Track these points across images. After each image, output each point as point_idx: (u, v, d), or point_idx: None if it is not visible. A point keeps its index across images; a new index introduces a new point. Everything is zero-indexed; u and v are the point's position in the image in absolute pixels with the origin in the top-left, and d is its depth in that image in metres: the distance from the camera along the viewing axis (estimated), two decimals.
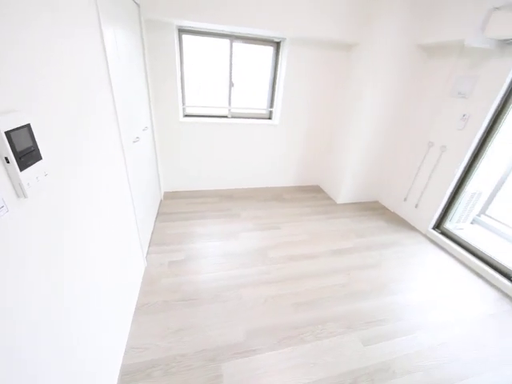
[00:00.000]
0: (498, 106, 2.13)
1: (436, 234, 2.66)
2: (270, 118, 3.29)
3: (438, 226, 2.72)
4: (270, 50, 2.95)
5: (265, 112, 3.29)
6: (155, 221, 2.63)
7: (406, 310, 1.86)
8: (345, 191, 3.22)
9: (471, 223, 3.14)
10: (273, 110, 3.22)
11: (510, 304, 1.99)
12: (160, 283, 1.91)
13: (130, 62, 1.82)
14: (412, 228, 2.89)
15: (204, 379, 1.36)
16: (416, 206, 2.87)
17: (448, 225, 2.73)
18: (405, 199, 3.01)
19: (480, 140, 2.27)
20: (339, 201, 3.28)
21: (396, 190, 3.14)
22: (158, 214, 2.76)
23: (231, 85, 2.99)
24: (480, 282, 2.20)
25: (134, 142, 1.83)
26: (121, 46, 1.60)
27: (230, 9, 2.31)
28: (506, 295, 2.06)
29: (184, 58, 2.72)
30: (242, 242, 2.44)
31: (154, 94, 2.59)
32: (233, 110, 3.15)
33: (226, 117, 3.15)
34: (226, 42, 2.75)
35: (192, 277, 1.99)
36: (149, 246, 2.27)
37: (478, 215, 3.23)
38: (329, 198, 3.40)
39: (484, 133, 2.24)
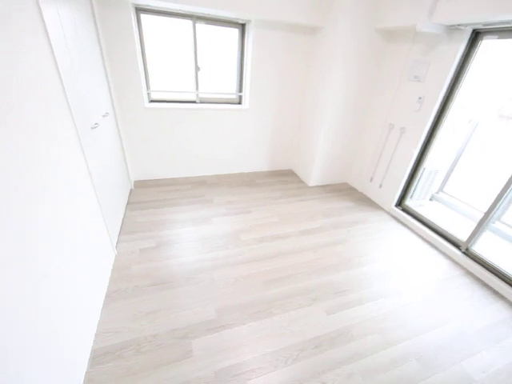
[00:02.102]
0: (448, 89, 2.28)
1: (398, 211, 2.85)
2: (239, 103, 3.28)
3: (400, 203, 2.91)
4: (236, 32, 2.91)
5: (235, 97, 3.27)
6: (126, 210, 2.58)
7: (369, 281, 2.01)
8: (315, 174, 3.33)
9: (430, 200, 3.39)
10: (242, 94, 3.21)
11: (459, 270, 2.21)
12: (131, 270, 1.92)
13: (81, 43, 1.72)
14: (378, 207, 3.07)
15: (175, 355, 1.42)
16: (380, 186, 3.04)
17: (409, 202, 2.93)
18: (371, 179, 3.17)
19: (434, 120, 2.43)
20: (310, 183, 3.39)
21: (362, 171, 3.29)
22: (128, 202, 2.71)
23: (197, 69, 2.93)
24: (434, 252, 2.41)
25: (93, 128, 1.77)
26: (67, 26, 1.52)
27: None
28: (456, 262, 2.29)
29: (145, 40, 2.61)
30: (215, 226, 2.48)
31: (114, 78, 2.48)
32: (201, 95, 3.11)
33: (194, 102, 3.10)
34: (189, 23, 2.67)
35: (164, 262, 2.01)
36: (119, 235, 2.24)
37: (437, 192, 3.49)
38: (300, 181, 3.50)
39: (437, 113, 2.39)
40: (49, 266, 1.07)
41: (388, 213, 2.96)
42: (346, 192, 3.34)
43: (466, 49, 2.12)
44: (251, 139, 3.42)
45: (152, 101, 2.95)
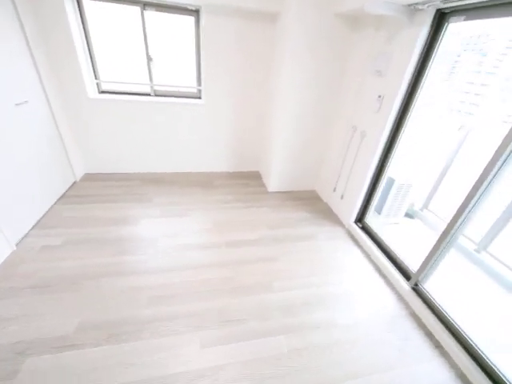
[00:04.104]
0: (409, 85, 1.84)
1: (356, 229, 2.44)
2: (200, 98, 3.06)
3: (360, 219, 2.49)
4: (191, 20, 2.68)
5: (195, 91, 3.05)
6: (55, 203, 2.49)
7: (275, 310, 1.68)
8: (275, 179, 3.00)
9: (410, 218, 2.90)
10: (201, 88, 2.98)
11: (404, 309, 1.79)
12: (17, 269, 1.79)
13: None
14: (337, 221, 2.67)
15: None
16: (342, 197, 2.63)
17: (375, 219, 2.50)
18: (334, 189, 2.77)
19: (394, 124, 2.00)
20: (270, 189, 3.06)
21: (327, 178, 2.90)
22: (64, 196, 2.62)
23: (149, 59, 2.75)
24: (382, 282, 1.99)
25: None
26: None
27: None
28: (403, 299, 1.86)
29: (89, 27, 2.49)
30: (138, 228, 2.29)
31: (49, 67, 2.38)
32: (157, 88, 2.93)
33: (148, 95, 2.93)
34: (137, 9, 2.50)
35: (58, 263, 1.86)
36: (32, 229, 2.15)
37: (421, 209, 2.99)
38: (262, 186, 3.19)
39: (397, 114, 1.96)
40: None
41: (346, 229, 2.55)
42: (309, 201, 2.97)
43: (429, 34, 1.69)
44: (212, 137, 3.18)
45: (103, 92, 2.84)
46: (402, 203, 2.57)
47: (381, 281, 2.00)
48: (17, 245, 1.96)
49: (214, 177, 3.29)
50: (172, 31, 2.73)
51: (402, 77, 1.82)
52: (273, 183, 3.01)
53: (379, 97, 2.03)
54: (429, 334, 1.63)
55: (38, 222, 2.23)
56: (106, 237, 2.15)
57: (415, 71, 1.79)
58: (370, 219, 2.52)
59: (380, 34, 2.01)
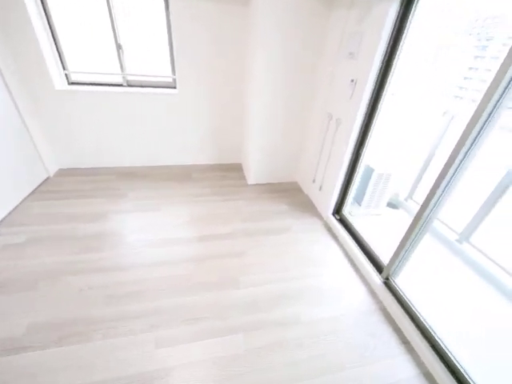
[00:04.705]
0: (381, 68, 1.72)
1: (333, 221, 2.36)
2: (175, 87, 2.94)
3: (338, 211, 2.41)
4: (161, 4, 2.54)
5: (170, 80, 2.93)
6: (25, 200, 2.42)
7: (238, 307, 1.63)
8: (257, 170, 2.91)
9: (394, 208, 2.82)
10: (176, 77, 2.86)
11: (375, 303, 1.72)
12: None
13: None
14: (316, 213, 2.58)
15: None
16: (320, 189, 2.54)
17: (355, 210, 2.42)
18: (313, 180, 2.68)
19: (367, 110, 1.89)
20: (250, 181, 2.98)
21: (307, 169, 2.80)
22: (35, 191, 2.55)
23: (119, 47, 2.63)
24: (356, 277, 1.92)
25: None
26: None
27: None
28: (375, 293, 1.79)
29: (51, 13, 2.37)
30: (107, 224, 2.22)
31: (11, 58, 2.27)
32: (131, 78, 2.82)
33: (120, 85, 2.82)
34: None
35: (16, 262, 1.81)
36: None
37: (406, 199, 2.90)
38: (242, 178, 3.10)
39: (370, 101, 1.85)
40: None
41: (324, 221, 2.47)
42: (289, 193, 2.88)
43: (399, 11, 1.56)
44: (190, 128, 3.08)
45: (73, 83, 2.73)
46: (383, 193, 2.48)
47: (354, 275, 1.94)
48: None
49: (193, 169, 3.20)
50: (143, 18, 2.60)
51: (373, 59, 1.70)
52: (253, 175, 2.92)
53: (352, 81, 1.92)
54: (397, 330, 1.57)
55: (4, 219, 2.17)
56: (74, 234, 2.09)
57: (386, 52, 1.67)
58: (351, 211, 2.44)
59: (353, 13, 1.87)
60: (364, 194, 2.44)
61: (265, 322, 1.55)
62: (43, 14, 2.32)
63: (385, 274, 1.75)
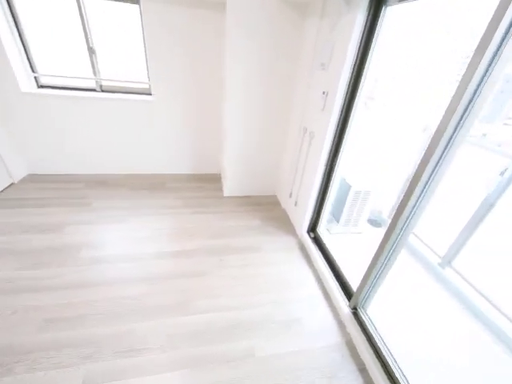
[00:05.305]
0: (351, 78, 1.61)
1: (307, 239, 2.21)
2: (151, 94, 2.84)
3: (313, 228, 2.26)
4: (136, 9, 2.46)
5: (147, 86, 2.83)
6: None
7: (186, 337, 1.46)
8: (233, 182, 2.77)
9: (378, 226, 2.67)
10: (151, 83, 2.76)
11: (341, 336, 1.55)
12: None
13: None
14: (291, 230, 2.43)
15: None
16: (295, 204, 2.40)
17: (333, 228, 2.27)
18: (290, 195, 2.54)
19: (338, 123, 1.77)
20: (226, 193, 2.84)
21: (284, 183, 2.66)
22: None
23: (91, 52, 2.54)
24: (325, 304, 1.76)
25: None
26: None
27: None
28: (343, 324, 1.62)
29: (19, 15, 2.28)
30: (64, 237, 2.07)
31: None
32: (104, 83, 2.72)
33: (94, 90, 2.72)
34: None
35: None
36: None
37: (389, 217, 2.75)
38: (219, 190, 2.96)
39: (341, 113, 1.73)
40: None
41: (299, 240, 2.32)
42: (266, 207, 2.73)
43: (366, 20, 1.46)
44: (167, 136, 2.96)
45: (42, 86, 2.63)
46: (362, 211, 2.34)
47: (324, 303, 1.76)
48: None
49: (168, 179, 3.06)
50: (118, 22, 2.52)
51: (342, 69, 1.59)
52: (228, 187, 2.78)
53: (323, 93, 1.80)
54: (362, 371, 1.39)
55: None
56: (23, 247, 1.94)
57: (355, 63, 1.56)
58: (330, 228, 2.30)
59: (325, 22, 1.78)
60: (342, 211, 2.30)
61: (213, 356, 1.38)
62: (9, 13, 2.23)
63: (353, 302, 1.58)
